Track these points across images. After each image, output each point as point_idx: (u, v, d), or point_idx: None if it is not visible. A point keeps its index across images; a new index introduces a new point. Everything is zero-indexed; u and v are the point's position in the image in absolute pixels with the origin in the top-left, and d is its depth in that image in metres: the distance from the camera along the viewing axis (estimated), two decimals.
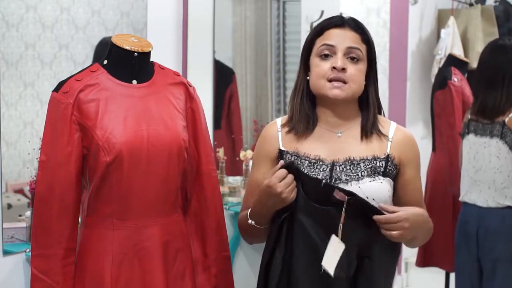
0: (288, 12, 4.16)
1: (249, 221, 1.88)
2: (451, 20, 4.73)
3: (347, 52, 1.84)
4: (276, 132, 1.95)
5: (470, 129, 3.11)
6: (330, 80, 1.83)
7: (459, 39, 4.73)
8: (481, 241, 3.03)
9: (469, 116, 3.14)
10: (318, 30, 1.89)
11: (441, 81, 3.96)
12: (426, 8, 4.89)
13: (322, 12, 3.75)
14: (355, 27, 1.88)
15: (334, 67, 1.82)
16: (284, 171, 1.77)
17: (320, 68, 1.85)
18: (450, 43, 4.64)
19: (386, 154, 1.87)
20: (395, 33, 4.68)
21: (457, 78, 3.92)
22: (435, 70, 4.57)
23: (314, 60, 1.87)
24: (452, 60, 4.12)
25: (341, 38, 1.85)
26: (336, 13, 1.96)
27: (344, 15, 1.93)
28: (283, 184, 1.76)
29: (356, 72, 1.84)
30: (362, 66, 1.86)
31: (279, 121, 1.98)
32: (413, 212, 1.81)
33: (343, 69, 1.82)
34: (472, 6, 4.93)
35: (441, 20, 5.00)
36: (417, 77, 4.87)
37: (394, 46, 4.69)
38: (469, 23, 4.82)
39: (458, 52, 4.53)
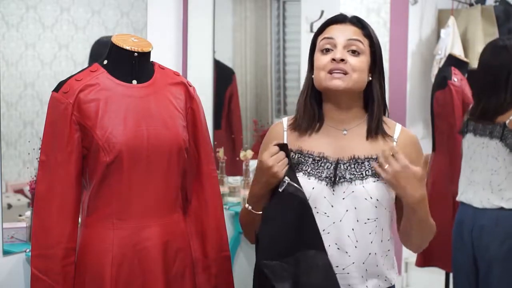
0: (288, 12, 4.16)
1: (246, 205, 1.88)
2: (451, 20, 4.72)
3: (347, 44, 1.83)
4: (282, 131, 1.95)
5: (469, 129, 3.10)
6: (330, 72, 1.82)
7: (459, 39, 4.72)
8: (476, 240, 3.03)
9: (468, 116, 3.13)
10: (320, 28, 1.91)
11: (441, 81, 3.95)
12: (426, 8, 4.89)
13: (322, 12, 3.75)
14: (357, 22, 1.89)
15: (333, 59, 1.82)
16: (276, 147, 1.80)
17: (320, 61, 1.85)
18: (450, 43, 4.64)
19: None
20: (395, 33, 4.68)
21: (457, 78, 3.91)
22: (435, 70, 4.57)
23: (316, 55, 1.88)
24: (452, 60, 4.11)
25: (340, 32, 1.86)
26: (336, 13, 1.96)
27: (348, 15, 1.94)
28: (274, 158, 1.79)
29: (357, 63, 1.82)
30: (364, 59, 1.84)
31: (285, 120, 1.97)
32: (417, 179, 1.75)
33: (343, 60, 1.81)
34: (472, 6, 4.92)
35: (441, 20, 4.99)
36: (417, 77, 4.87)
37: (394, 46, 4.69)
38: (469, 23, 4.81)
39: (458, 52, 4.52)
